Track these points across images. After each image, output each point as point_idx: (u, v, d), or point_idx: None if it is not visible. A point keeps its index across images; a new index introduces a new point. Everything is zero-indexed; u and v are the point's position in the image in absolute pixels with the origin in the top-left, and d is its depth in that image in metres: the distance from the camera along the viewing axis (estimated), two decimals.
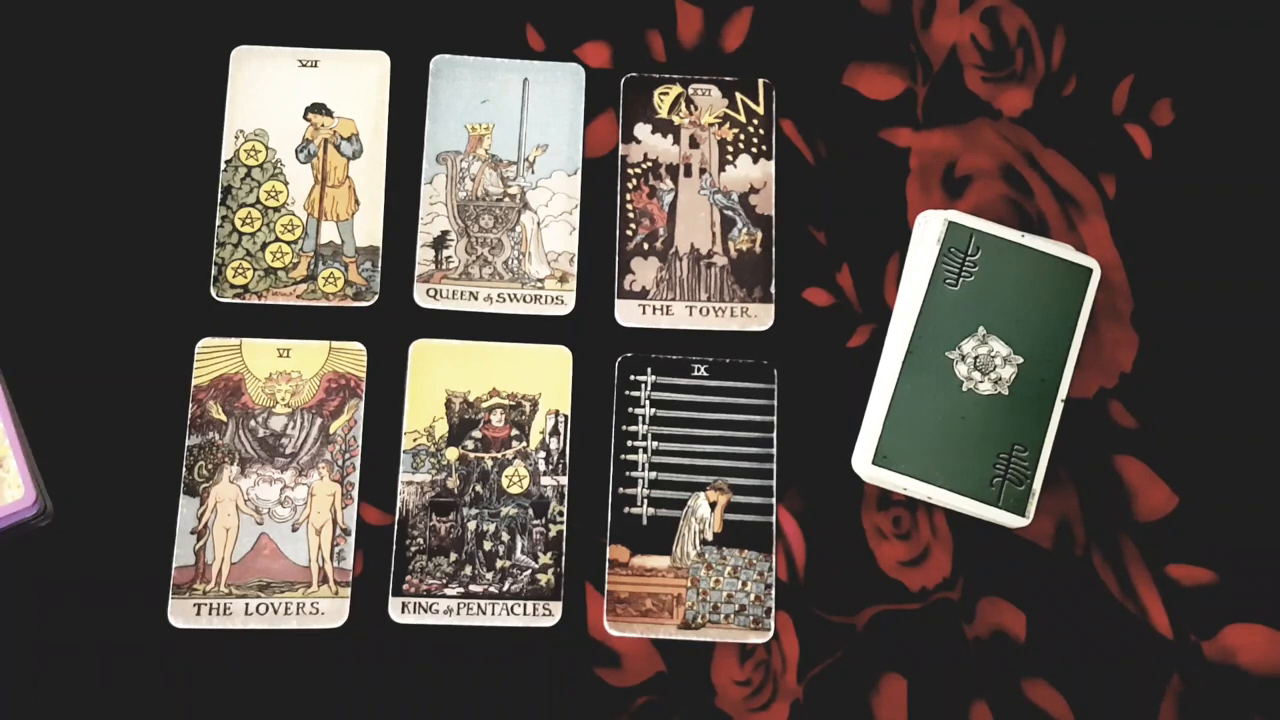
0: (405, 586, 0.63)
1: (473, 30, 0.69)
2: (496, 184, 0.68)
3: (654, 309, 0.67)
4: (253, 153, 0.67)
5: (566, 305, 0.66)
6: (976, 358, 0.63)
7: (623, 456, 0.65)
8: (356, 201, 0.67)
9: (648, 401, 0.65)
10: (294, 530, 0.63)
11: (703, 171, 0.69)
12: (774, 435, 0.65)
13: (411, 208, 0.67)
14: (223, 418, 0.64)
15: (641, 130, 0.69)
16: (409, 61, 0.69)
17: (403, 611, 0.63)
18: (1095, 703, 0.63)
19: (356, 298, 0.66)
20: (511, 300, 0.66)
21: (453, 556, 0.63)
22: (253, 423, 0.64)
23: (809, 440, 0.65)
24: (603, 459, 0.65)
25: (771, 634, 0.63)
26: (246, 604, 0.62)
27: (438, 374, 0.65)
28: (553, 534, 0.64)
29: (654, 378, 0.66)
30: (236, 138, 0.67)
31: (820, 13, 0.70)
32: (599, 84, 0.69)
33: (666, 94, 0.69)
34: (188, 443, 0.63)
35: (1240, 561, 0.65)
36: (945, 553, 0.65)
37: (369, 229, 0.67)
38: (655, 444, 0.65)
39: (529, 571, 0.63)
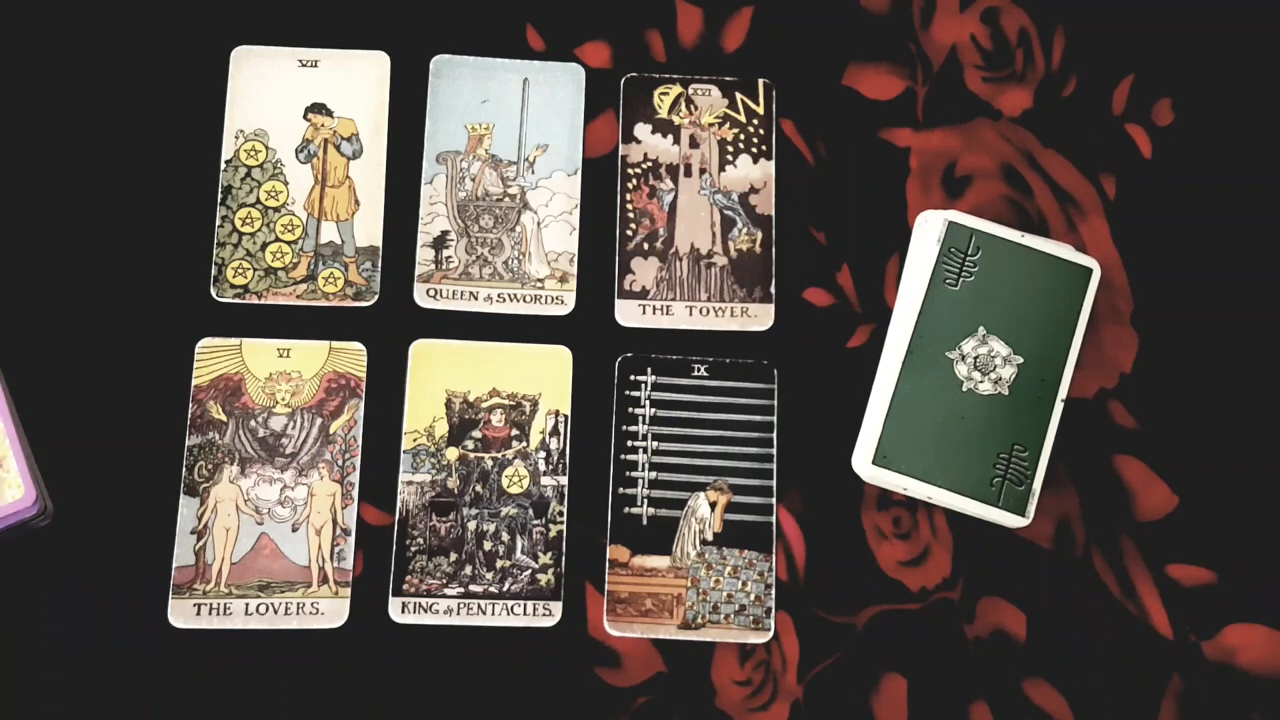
0: (405, 586, 0.63)
1: (473, 30, 0.69)
2: (496, 184, 0.68)
3: (654, 309, 0.67)
4: (253, 153, 0.67)
5: (566, 305, 0.66)
6: (976, 358, 0.63)
7: (623, 456, 0.65)
8: (356, 201, 0.67)
9: (648, 401, 0.65)
10: (294, 530, 0.63)
11: (703, 171, 0.69)
12: (774, 435, 0.65)
13: (411, 208, 0.67)
14: (223, 418, 0.64)
15: (641, 130, 0.69)
16: (409, 61, 0.69)
17: (403, 611, 0.63)
18: (1095, 703, 0.63)
19: (356, 298, 0.66)
20: (511, 300, 0.66)
21: (453, 556, 0.63)
22: (253, 423, 0.64)
23: (809, 440, 0.65)
24: (603, 459, 0.65)
25: (771, 634, 0.63)
26: (246, 604, 0.62)
27: (438, 374, 0.65)
28: (553, 534, 0.64)
29: (654, 378, 0.66)
30: (236, 138, 0.67)
31: (820, 13, 0.70)
32: (599, 84, 0.69)
33: (666, 94, 0.69)
34: (188, 443, 0.63)
35: (1240, 561, 0.65)
36: (945, 553, 0.65)
37: (369, 229, 0.67)
38: (655, 444, 0.65)
39: (529, 571, 0.63)
